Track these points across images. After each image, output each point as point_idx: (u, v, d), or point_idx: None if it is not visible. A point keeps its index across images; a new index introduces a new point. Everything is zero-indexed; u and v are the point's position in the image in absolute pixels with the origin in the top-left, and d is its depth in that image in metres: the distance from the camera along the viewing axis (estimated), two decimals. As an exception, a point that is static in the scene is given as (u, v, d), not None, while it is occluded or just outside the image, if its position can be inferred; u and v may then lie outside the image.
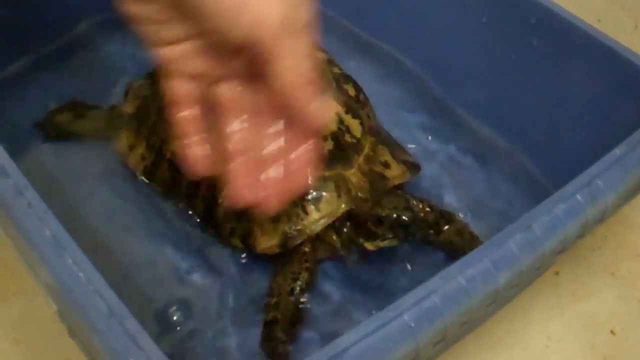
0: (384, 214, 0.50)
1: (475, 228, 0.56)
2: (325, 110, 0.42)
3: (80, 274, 0.38)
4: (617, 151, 0.45)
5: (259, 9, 0.38)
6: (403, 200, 0.51)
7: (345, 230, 0.53)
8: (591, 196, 0.43)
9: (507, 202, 0.59)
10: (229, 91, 0.43)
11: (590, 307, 0.55)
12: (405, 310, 0.37)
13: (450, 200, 0.56)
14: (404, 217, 0.50)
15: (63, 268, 0.38)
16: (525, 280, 0.42)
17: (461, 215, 0.57)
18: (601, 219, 0.45)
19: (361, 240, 0.52)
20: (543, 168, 0.60)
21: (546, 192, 0.57)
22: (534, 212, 0.42)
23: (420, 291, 0.38)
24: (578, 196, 0.42)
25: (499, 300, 0.41)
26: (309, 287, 0.52)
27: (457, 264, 0.39)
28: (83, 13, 0.69)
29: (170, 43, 0.42)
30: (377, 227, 0.51)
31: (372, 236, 0.51)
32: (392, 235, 0.51)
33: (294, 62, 0.40)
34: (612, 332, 0.54)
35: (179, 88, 0.43)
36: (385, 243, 0.51)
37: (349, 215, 0.53)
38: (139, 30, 0.42)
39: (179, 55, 0.42)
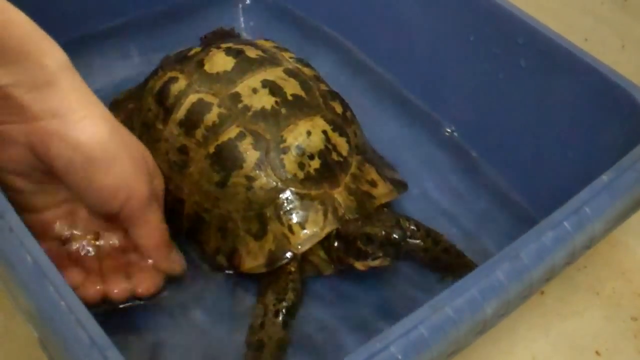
0: (373, 232, 0.50)
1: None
2: (179, 261, 0.52)
3: (62, 303, 0.37)
4: (605, 177, 0.45)
5: (132, 187, 0.47)
6: (392, 218, 0.51)
7: (334, 249, 0.52)
8: (579, 224, 0.43)
9: (491, 225, 0.59)
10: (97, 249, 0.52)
11: (575, 327, 0.55)
12: (393, 341, 0.37)
13: (434, 221, 0.56)
14: (394, 235, 0.49)
15: (44, 296, 0.38)
16: (512, 308, 0.42)
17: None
18: (589, 245, 0.45)
19: (351, 260, 0.52)
20: (528, 190, 0.59)
21: (529, 214, 0.58)
22: (522, 240, 0.41)
23: (407, 322, 0.37)
24: (566, 224, 0.42)
25: (486, 329, 0.41)
26: (296, 308, 0.51)
27: (445, 293, 0.39)
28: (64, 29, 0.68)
29: (40, 210, 0.49)
30: (366, 246, 0.50)
31: (362, 255, 0.51)
32: (383, 254, 0.50)
33: (155, 227, 0.50)
34: (597, 352, 0.54)
35: (51, 251, 0.48)
36: (376, 262, 0.51)
37: (338, 235, 0.52)
38: (11, 197, 0.45)
39: (50, 219, 0.49)
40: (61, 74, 0.45)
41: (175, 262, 0.52)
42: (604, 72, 0.52)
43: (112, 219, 0.50)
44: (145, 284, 0.50)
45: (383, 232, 0.49)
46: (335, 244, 0.52)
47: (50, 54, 0.44)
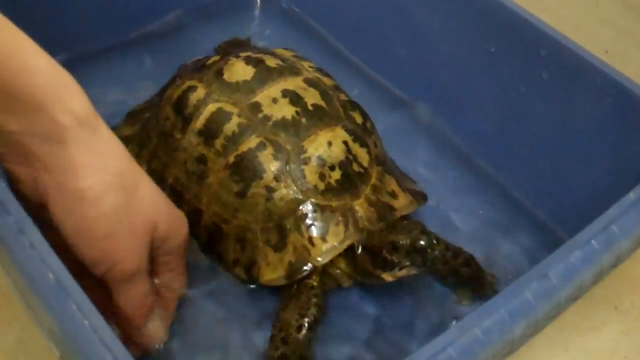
0: (399, 240, 0.49)
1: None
2: (157, 332, 0.49)
3: (85, 322, 0.36)
4: (632, 195, 0.44)
5: (116, 261, 0.44)
6: (417, 225, 0.50)
7: (361, 262, 0.51)
8: (607, 242, 0.42)
9: (510, 240, 0.59)
10: None
11: (594, 341, 0.55)
12: (422, 363, 0.36)
13: (452, 235, 0.55)
14: (420, 242, 0.48)
15: (67, 314, 0.37)
16: (540, 328, 0.41)
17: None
18: (615, 264, 0.44)
19: (378, 271, 0.50)
20: (549, 206, 0.59)
21: (549, 231, 0.57)
22: (550, 259, 0.41)
23: (436, 344, 0.37)
24: (594, 242, 0.42)
25: (514, 349, 0.40)
26: (318, 322, 0.51)
27: (473, 315, 0.38)
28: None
29: None
30: (392, 255, 0.49)
31: (388, 265, 0.50)
32: (410, 263, 0.49)
33: (131, 299, 0.46)
34: (616, 367, 0.54)
35: None
36: (403, 272, 0.50)
37: (363, 247, 0.51)
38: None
39: None
40: (75, 132, 0.41)
41: (147, 337, 0.49)
42: (627, 85, 0.51)
43: None
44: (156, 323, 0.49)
45: (409, 240, 0.49)
46: (360, 253, 0.51)
47: (66, 107, 0.41)
